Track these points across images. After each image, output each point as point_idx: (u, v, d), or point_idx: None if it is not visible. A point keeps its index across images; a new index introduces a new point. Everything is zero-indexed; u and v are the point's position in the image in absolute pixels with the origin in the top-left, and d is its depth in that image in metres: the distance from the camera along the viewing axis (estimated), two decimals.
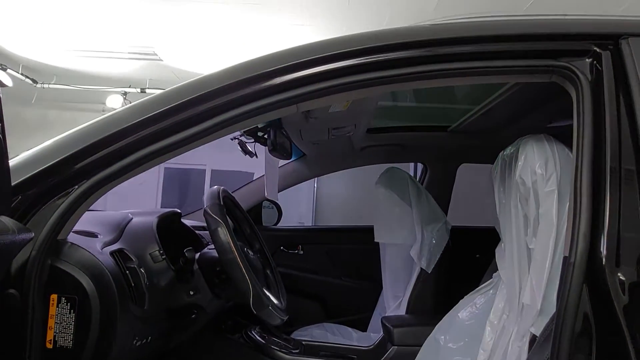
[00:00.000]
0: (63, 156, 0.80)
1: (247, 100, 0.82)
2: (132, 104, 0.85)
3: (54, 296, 0.80)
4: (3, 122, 0.70)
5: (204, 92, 0.81)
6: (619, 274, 0.64)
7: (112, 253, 0.93)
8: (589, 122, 0.76)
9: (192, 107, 0.81)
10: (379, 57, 0.82)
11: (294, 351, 1.52)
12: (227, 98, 0.81)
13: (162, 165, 6.07)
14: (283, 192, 2.00)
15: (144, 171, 0.87)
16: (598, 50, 0.79)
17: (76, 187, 0.80)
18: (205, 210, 1.08)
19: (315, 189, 5.26)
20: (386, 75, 0.83)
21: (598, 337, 0.64)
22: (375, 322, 1.88)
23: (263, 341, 1.53)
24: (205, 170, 6.04)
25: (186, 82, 0.86)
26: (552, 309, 0.75)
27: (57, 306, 0.80)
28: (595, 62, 0.79)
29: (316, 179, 5.08)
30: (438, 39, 0.84)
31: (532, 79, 0.85)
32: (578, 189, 0.73)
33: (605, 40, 0.80)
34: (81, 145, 0.81)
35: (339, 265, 2.10)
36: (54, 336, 0.79)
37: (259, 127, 1.48)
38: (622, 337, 0.60)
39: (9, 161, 0.74)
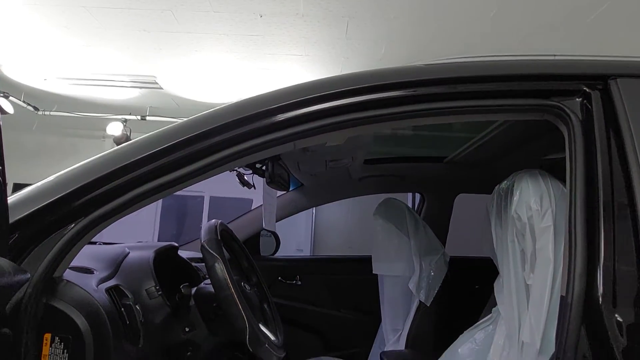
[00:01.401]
0: (61, 194, 0.81)
1: (245, 138, 0.83)
2: (130, 142, 0.86)
3: (48, 335, 0.79)
4: (4, 160, 0.71)
5: (201, 131, 0.83)
6: (616, 315, 0.64)
7: (107, 290, 0.92)
8: (580, 159, 0.78)
9: (190, 145, 0.82)
10: (374, 96, 0.84)
11: None
12: (224, 136, 0.82)
13: None
14: (280, 222, 2.00)
15: (142, 208, 0.87)
16: (588, 90, 0.81)
17: (73, 225, 0.80)
18: (202, 245, 1.08)
19: (314, 216, 5.24)
20: (382, 114, 0.84)
21: None
22: (374, 356, 1.85)
23: None
24: (203, 197, 6.03)
25: (184, 120, 0.87)
26: (551, 348, 0.74)
27: (51, 346, 0.78)
28: (585, 101, 0.81)
29: (315, 207, 5.08)
30: (433, 78, 0.86)
31: (524, 117, 0.87)
32: (573, 226, 0.74)
33: (594, 80, 0.82)
34: (79, 183, 0.81)
35: (338, 296, 2.08)
36: None
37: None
38: None
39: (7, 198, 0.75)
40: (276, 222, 1.91)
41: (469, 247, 2.04)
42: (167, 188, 0.84)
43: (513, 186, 1.02)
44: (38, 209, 0.79)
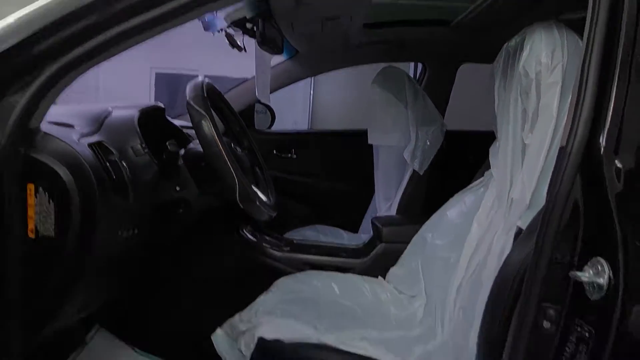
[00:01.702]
0: (25, 35, 0.73)
1: None
2: None
3: (31, 186, 0.78)
4: None
5: None
6: (616, 162, 0.61)
7: (90, 145, 0.90)
8: (605, 6, 0.68)
9: None
10: None
11: (284, 248, 1.55)
12: None
13: (154, 70, 5.85)
14: (277, 98, 1.91)
15: (116, 54, 0.80)
16: None
17: (45, 69, 0.74)
18: (187, 102, 1.02)
19: (312, 94, 5.09)
20: None
21: (586, 227, 0.63)
22: (366, 224, 1.91)
23: (254, 239, 1.55)
24: (197, 76, 5.82)
25: None
26: (541, 202, 0.73)
27: (35, 196, 0.78)
28: None
29: (313, 82, 4.91)
30: None
31: None
32: (584, 80, 0.68)
33: None
34: (45, 21, 0.73)
35: (333, 168, 2.09)
36: (35, 225, 0.78)
37: (247, 17, 1.37)
38: (611, 225, 0.58)
39: None
40: (270, 93, 1.83)
41: (469, 122, 2.00)
42: (142, 31, 0.76)
43: (524, 40, 0.93)
44: (2, 52, 0.72)
